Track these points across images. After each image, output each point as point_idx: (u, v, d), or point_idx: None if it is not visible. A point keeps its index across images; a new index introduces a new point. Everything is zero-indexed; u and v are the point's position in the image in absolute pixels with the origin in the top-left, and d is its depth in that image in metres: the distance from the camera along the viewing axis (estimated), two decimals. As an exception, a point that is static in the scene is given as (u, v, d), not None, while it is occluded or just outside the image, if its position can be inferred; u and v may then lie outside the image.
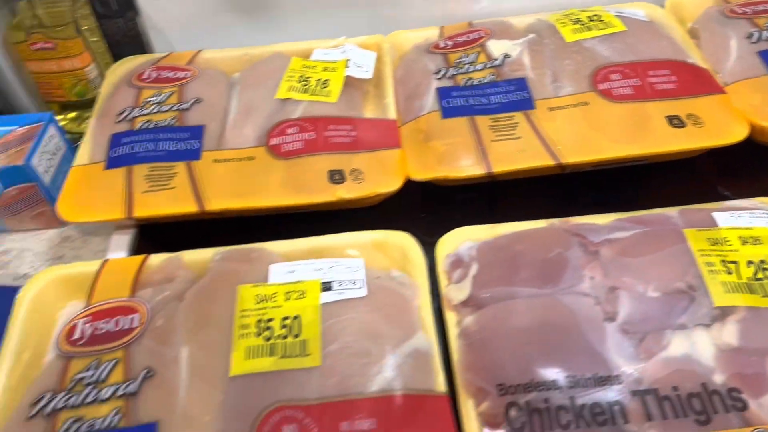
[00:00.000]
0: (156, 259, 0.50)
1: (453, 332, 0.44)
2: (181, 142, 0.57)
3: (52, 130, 0.60)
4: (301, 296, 0.45)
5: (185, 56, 0.67)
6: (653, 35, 0.62)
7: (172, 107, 0.60)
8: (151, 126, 0.59)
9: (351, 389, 0.40)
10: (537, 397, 0.39)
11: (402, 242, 0.50)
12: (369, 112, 0.62)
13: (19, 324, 0.46)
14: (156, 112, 0.60)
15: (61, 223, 0.61)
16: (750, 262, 0.43)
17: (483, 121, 0.55)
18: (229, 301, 0.45)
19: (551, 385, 0.39)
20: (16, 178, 0.57)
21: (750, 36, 0.59)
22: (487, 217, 0.50)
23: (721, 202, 0.49)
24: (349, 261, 0.48)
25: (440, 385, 0.41)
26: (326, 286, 0.46)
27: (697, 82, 0.57)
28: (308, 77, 0.62)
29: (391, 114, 0.59)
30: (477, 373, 0.41)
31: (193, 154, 0.56)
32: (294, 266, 0.47)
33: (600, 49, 0.60)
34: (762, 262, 0.43)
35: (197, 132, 0.58)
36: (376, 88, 0.63)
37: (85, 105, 0.70)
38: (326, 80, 0.62)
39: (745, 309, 0.41)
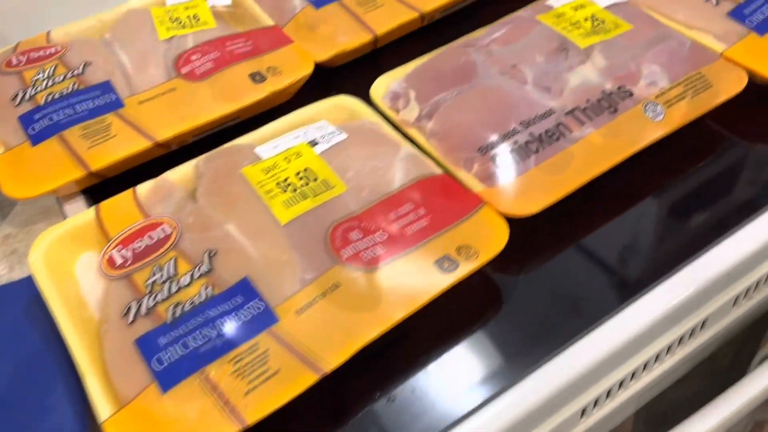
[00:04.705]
0: (143, 187, 0.53)
1: (422, 139, 0.55)
2: (98, 99, 0.59)
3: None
4: (298, 156, 0.53)
5: (38, 39, 0.67)
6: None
7: (66, 75, 0.61)
8: (57, 96, 0.59)
9: (381, 192, 0.50)
10: (509, 142, 0.52)
11: (344, 103, 0.59)
12: (246, 27, 0.68)
13: (52, 291, 0.46)
14: (53, 85, 0.61)
15: (-6, 225, 0.59)
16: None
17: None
18: (241, 183, 0.51)
19: (514, 132, 0.52)
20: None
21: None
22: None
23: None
24: (314, 125, 0.56)
25: (437, 169, 0.52)
26: (312, 143, 0.54)
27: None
28: (177, 17, 0.67)
29: (268, 21, 0.67)
30: (459, 151, 0.53)
31: (116, 104, 0.59)
32: (275, 143, 0.54)
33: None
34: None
35: (106, 86, 0.61)
36: (238, 8, 0.70)
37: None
38: (195, 14, 0.67)
39: (600, 43, 0.58)
